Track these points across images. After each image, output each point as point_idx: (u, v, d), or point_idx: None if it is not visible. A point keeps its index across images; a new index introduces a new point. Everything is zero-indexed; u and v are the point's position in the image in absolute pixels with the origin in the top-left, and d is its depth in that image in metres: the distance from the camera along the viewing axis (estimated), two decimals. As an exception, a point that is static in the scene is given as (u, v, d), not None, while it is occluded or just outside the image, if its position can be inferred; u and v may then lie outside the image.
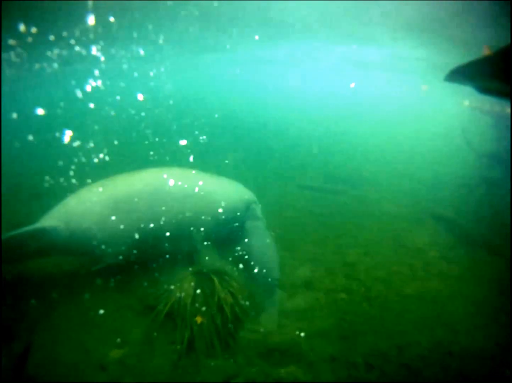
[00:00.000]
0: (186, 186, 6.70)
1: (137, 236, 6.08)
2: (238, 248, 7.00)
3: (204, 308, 5.42)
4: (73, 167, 9.43)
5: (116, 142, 11.98)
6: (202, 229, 6.59)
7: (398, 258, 7.55)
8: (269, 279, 6.27)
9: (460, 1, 7.15)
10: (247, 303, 5.67)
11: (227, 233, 7.18)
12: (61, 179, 8.53)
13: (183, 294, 5.50)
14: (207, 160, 8.15)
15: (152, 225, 6.18)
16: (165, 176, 6.74)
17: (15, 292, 5.75)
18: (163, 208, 6.28)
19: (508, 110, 12.70)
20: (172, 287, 5.70)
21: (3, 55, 12.07)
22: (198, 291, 5.65)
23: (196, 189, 6.75)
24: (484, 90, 2.18)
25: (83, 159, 9.76)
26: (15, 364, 4.54)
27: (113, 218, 6.00)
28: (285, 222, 8.62)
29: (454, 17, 7.76)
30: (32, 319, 5.31)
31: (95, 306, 5.56)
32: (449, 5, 7.39)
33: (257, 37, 14.98)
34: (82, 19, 9.10)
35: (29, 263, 6.29)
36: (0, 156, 10.84)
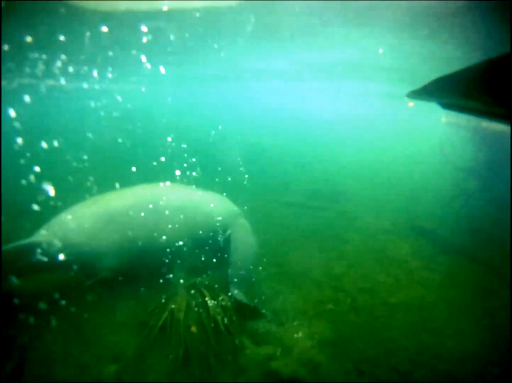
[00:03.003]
0: (176, 200, 6.86)
1: (130, 249, 6.18)
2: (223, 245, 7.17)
3: (195, 323, 5.51)
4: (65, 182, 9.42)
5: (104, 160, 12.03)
6: (192, 240, 6.72)
7: (382, 269, 7.79)
8: (246, 267, 6.58)
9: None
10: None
11: (216, 242, 7.27)
12: (53, 195, 8.52)
13: (175, 309, 5.58)
14: (194, 177, 8.31)
15: (144, 239, 6.30)
16: (156, 191, 6.89)
17: (7, 310, 5.73)
18: (155, 221, 6.41)
19: (484, 124, 13.16)
20: (165, 301, 5.79)
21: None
22: (190, 305, 5.74)
23: (186, 203, 6.91)
24: (448, 106, 2.34)
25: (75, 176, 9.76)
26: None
27: (106, 232, 6.11)
28: (272, 238, 8.80)
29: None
30: (25, 336, 5.29)
31: (88, 322, 5.59)
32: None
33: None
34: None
35: (21, 280, 6.23)
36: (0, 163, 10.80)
